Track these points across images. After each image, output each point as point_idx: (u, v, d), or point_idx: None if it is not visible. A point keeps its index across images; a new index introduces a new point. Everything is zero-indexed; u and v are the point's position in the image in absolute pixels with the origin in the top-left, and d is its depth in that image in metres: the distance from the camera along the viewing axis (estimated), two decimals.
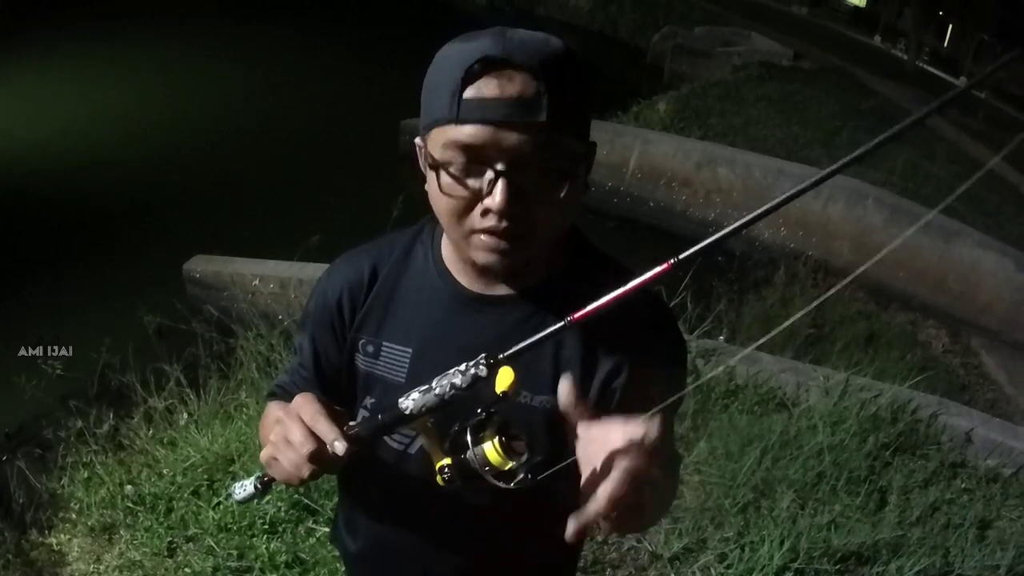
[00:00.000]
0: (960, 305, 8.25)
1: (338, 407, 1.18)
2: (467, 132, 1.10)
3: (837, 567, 3.52)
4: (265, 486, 1.27)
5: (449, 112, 1.11)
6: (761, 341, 0.92)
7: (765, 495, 3.86)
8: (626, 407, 1.26)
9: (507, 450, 1.08)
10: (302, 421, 1.11)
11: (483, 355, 1.05)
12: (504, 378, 1.05)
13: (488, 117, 1.09)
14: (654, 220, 9.52)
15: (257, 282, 5.75)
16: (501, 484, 1.08)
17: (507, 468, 1.08)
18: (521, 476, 1.09)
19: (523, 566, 1.46)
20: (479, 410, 1.11)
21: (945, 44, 27.73)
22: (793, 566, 3.41)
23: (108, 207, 7.82)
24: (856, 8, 31.05)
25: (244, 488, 1.29)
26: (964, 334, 7.92)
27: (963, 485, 4.38)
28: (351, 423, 1.14)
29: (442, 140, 1.13)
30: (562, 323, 1.00)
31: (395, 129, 9.88)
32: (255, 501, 1.43)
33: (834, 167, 0.89)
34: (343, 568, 3.24)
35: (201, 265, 6.22)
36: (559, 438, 1.28)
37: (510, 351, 1.05)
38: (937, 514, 4.04)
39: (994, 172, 12.12)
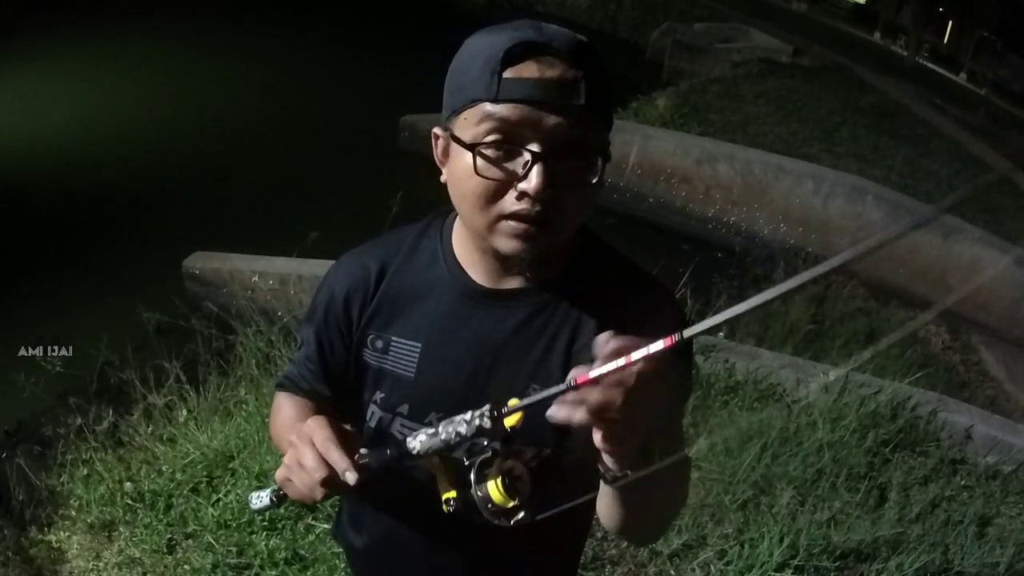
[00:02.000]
0: (960, 302, 8.24)
1: (348, 427, 1.20)
2: (506, 110, 1.11)
3: (837, 564, 3.53)
4: (280, 499, 1.29)
5: (487, 91, 1.11)
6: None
7: (765, 492, 3.86)
8: None
9: (510, 490, 1.11)
10: (314, 446, 1.12)
11: (488, 406, 1.05)
12: (511, 414, 1.05)
13: (528, 96, 1.10)
14: (654, 216, 9.51)
15: (256, 278, 5.74)
16: (501, 522, 1.11)
17: (509, 506, 1.11)
18: (521, 515, 1.12)
19: (528, 563, 1.46)
20: (486, 443, 1.12)
21: (945, 41, 27.72)
22: (793, 563, 3.41)
23: (107, 204, 7.80)
24: (856, 5, 31.03)
25: (261, 499, 1.32)
26: (964, 331, 7.92)
27: (963, 482, 4.39)
28: (361, 451, 1.15)
29: (477, 119, 1.14)
30: (564, 386, 0.96)
31: (394, 126, 9.88)
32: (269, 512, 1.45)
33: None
34: (343, 564, 3.25)
35: (200, 262, 6.22)
36: (566, 432, 1.29)
37: (517, 406, 1.03)
38: (937, 511, 4.05)
39: (994, 169, 12.14)
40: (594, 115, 1.14)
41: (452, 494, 1.14)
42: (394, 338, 1.35)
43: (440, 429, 1.07)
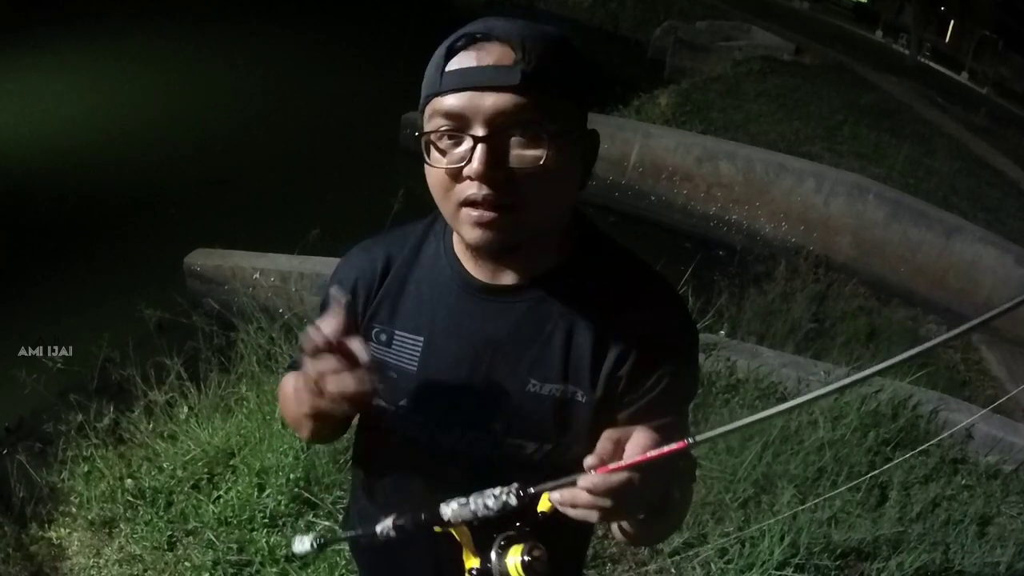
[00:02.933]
0: (960, 301, 8.25)
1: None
2: (448, 100, 1.15)
3: (837, 563, 3.53)
4: (322, 546, 1.32)
5: (435, 85, 1.17)
6: None
7: (766, 490, 3.86)
8: (630, 394, 1.28)
9: (528, 570, 1.17)
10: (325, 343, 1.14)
11: (516, 484, 1.11)
12: (544, 501, 1.13)
13: (466, 84, 1.14)
14: (655, 214, 9.51)
15: (258, 275, 5.74)
16: None
17: None
18: None
19: None
20: (516, 523, 1.19)
21: (946, 40, 27.71)
22: (793, 561, 3.41)
23: (109, 202, 7.79)
24: (857, 3, 31.01)
25: (303, 543, 1.33)
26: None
27: (963, 481, 4.39)
28: (396, 517, 1.24)
29: (430, 113, 1.19)
30: (574, 476, 1.05)
31: (395, 124, 9.87)
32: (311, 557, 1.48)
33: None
34: (343, 562, 3.25)
35: (201, 259, 6.22)
36: (567, 426, 1.29)
37: (542, 487, 1.09)
38: (937, 510, 4.05)
39: (995, 168, 12.15)
40: (538, 95, 1.14)
41: (476, 563, 1.22)
42: (397, 331, 1.36)
43: (471, 500, 1.13)
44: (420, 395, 1.34)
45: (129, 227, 7.47)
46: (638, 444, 1.01)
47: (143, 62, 11.70)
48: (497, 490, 1.11)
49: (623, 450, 1.02)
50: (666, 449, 0.97)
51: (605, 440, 1.03)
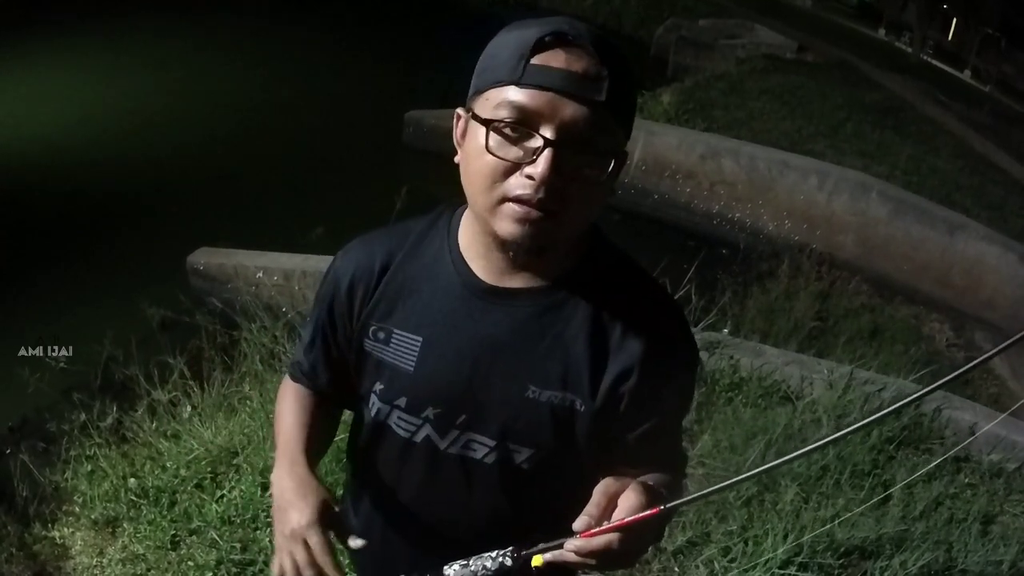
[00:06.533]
0: (964, 299, 8.24)
1: (336, 507, 1.33)
2: (527, 94, 1.12)
3: (840, 561, 3.52)
4: None
5: (513, 73, 1.13)
6: None
7: (769, 488, 3.86)
8: (633, 413, 1.28)
9: None
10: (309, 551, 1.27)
11: (511, 547, 1.19)
12: (536, 558, 1.18)
13: (551, 84, 1.11)
14: (658, 212, 9.50)
15: (261, 274, 5.75)
16: None
17: None
18: None
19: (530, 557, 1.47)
20: None
21: (949, 38, 27.63)
22: (797, 560, 3.41)
23: (112, 200, 7.79)
24: (860, 1, 30.94)
25: (356, 542, 1.36)
26: (968, 328, 7.91)
27: (967, 480, 4.38)
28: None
29: (498, 100, 1.16)
30: (562, 541, 1.13)
31: (399, 121, 9.87)
32: None
33: None
34: (346, 560, 3.25)
35: (205, 257, 6.22)
36: (564, 434, 1.29)
37: (534, 549, 1.17)
38: (940, 509, 4.04)
39: (999, 166, 12.12)
40: (613, 115, 1.15)
41: None
42: (396, 330, 1.34)
43: (471, 562, 1.21)
44: (416, 395, 1.34)
45: (132, 226, 7.47)
46: (625, 507, 1.09)
47: (146, 60, 11.70)
48: (494, 552, 1.19)
49: (614, 505, 1.11)
50: (643, 514, 1.07)
51: (600, 494, 1.12)
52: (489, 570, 1.18)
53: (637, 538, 1.10)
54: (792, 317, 6.46)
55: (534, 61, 1.12)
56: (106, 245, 7.11)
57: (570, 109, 1.11)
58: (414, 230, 1.39)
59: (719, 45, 16.34)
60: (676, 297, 4.46)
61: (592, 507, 1.09)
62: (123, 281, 6.23)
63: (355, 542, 1.28)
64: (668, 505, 1.09)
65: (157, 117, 9.98)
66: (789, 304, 6.70)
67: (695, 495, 1.14)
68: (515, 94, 1.13)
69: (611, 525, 1.07)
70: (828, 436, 1.01)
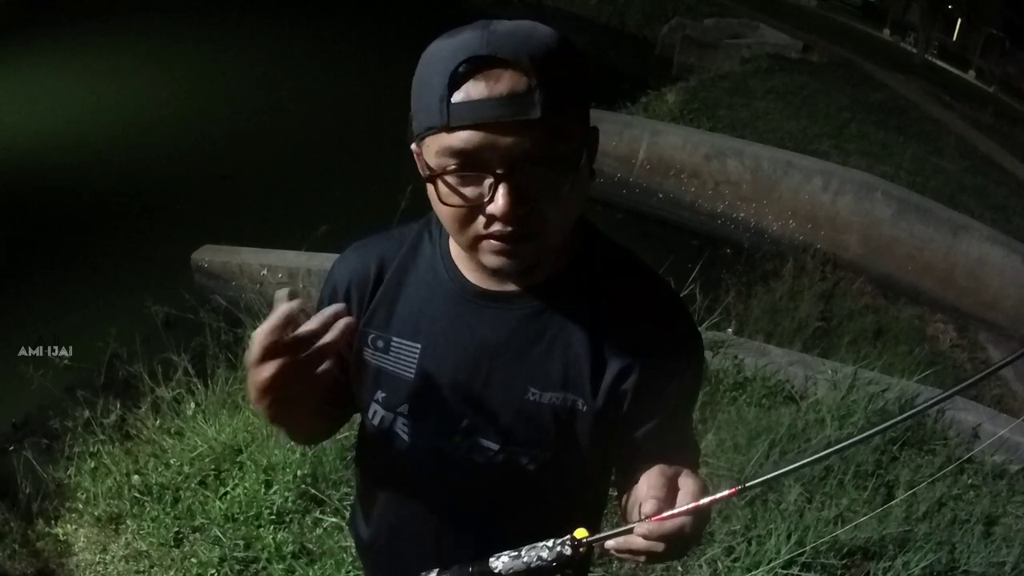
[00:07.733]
0: (967, 300, 8.23)
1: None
2: (460, 138, 1.06)
3: (844, 561, 3.52)
4: None
5: (440, 118, 1.06)
6: None
7: (772, 488, 3.86)
8: (637, 411, 1.26)
9: None
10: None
11: (570, 536, 1.08)
12: (580, 531, 1.09)
13: (479, 119, 1.05)
14: (663, 212, 9.49)
15: (265, 272, 5.75)
16: None
17: None
18: None
19: None
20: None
21: (953, 38, 27.60)
22: (800, 560, 3.41)
23: (116, 198, 7.80)
24: (865, 1, 30.92)
25: None
26: (972, 329, 7.90)
27: (970, 481, 4.37)
28: (440, 571, 1.18)
29: (435, 148, 1.10)
30: (630, 526, 1.05)
31: (403, 120, 9.84)
32: None
33: None
34: (350, 559, 3.26)
35: (209, 255, 6.22)
36: (567, 435, 1.28)
37: (599, 536, 1.07)
38: (944, 510, 4.04)
39: (1003, 167, 12.11)
40: (558, 121, 1.07)
41: None
42: (395, 338, 1.33)
43: (523, 552, 1.11)
44: (418, 402, 1.33)
45: (136, 223, 7.49)
46: (689, 490, 1.02)
47: (150, 59, 11.70)
48: (551, 541, 1.09)
49: (676, 489, 1.03)
50: (717, 496, 1.00)
51: (659, 479, 1.04)
52: (545, 560, 1.09)
53: (705, 522, 1.06)
54: (796, 317, 6.46)
55: (455, 100, 1.05)
56: (111, 243, 7.12)
57: (508, 137, 1.05)
58: (406, 237, 1.38)
59: (724, 45, 16.32)
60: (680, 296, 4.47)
61: (658, 490, 1.02)
62: (128, 279, 6.24)
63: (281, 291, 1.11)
64: (748, 484, 1.03)
65: (161, 114, 9.99)
66: (793, 304, 6.70)
67: (778, 471, 1.06)
68: (448, 139, 1.07)
69: (685, 508, 1.00)
70: (870, 430, 0.99)
